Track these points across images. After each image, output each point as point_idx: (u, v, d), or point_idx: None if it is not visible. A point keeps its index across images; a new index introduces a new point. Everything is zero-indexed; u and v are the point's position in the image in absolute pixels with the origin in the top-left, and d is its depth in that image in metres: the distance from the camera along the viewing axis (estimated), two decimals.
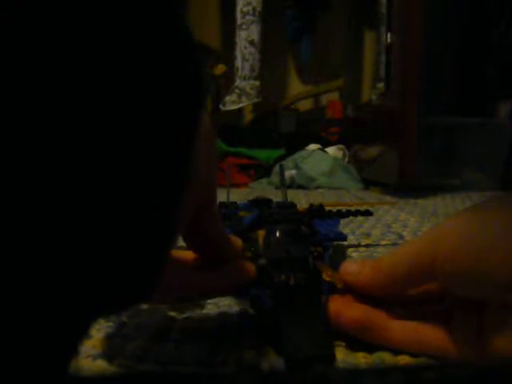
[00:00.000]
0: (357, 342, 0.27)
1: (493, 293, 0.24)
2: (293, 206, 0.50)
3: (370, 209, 0.56)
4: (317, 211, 0.49)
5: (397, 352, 0.26)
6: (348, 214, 0.53)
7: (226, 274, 0.29)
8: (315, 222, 0.46)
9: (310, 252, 0.32)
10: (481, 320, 0.25)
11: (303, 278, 0.29)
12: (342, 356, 0.27)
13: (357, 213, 0.54)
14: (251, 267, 0.30)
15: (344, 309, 0.27)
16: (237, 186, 1.54)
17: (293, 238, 0.33)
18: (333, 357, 0.25)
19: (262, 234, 0.35)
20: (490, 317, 0.25)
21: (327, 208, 0.51)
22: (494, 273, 0.23)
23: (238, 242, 0.30)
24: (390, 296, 0.28)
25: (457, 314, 0.26)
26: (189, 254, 0.30)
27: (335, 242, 0.47)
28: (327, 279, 0.29)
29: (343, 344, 0.28)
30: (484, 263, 0.23)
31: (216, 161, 0.27)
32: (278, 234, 0.33)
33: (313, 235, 0.39)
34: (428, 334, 0.26)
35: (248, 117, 2.21)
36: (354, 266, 0.29)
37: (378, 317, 0.27)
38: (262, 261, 0.31)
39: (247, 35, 1.84)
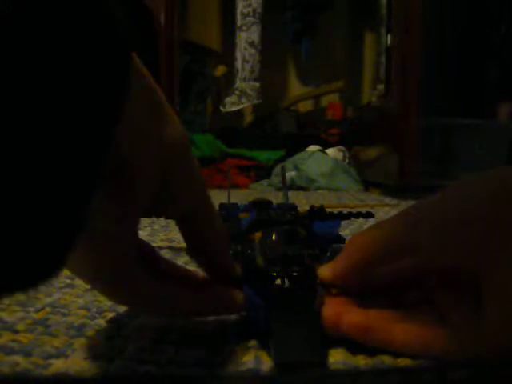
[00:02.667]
0: (356, 344, 0.27)
1: (462, 259, 0.24)
2: (293, 207, 0.50)
3: (371, 210, 0.56)
4: (318, 213, 0.49)
5: (397, 354, 0.26)
6: (349, 215, 0.52)
7: (210, 298, 0.28)
8: (316, 223, 0.46)
9: (307, 254, 0.32)
10: (476, 314, 0.25)
11: (298, 281, 0.28)
12: (342, 358, 0.26)
13: (358, 214, 0.53)
14: (238, 298, 0.29)
15: (343, 313, 0.27)
16: (237, 187, 1.54)
17: (289, 240, 0.32)
18: (323, 363, 0.24)
19: (258, 236, 0.34)
20: (483, 302, 0.24)
21: (328, 210, 0.51)
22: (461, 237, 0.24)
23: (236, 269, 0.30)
24: (368, 281, 0.29)
25: (455, 313, 0.26)
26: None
27: (334, 244, 0.46)
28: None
29: (343, 346, 0.27)
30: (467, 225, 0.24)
31: (199, 169, 0.27)
32: (274, 236, 0.33)
33: (310, 237, 0.39)
34: (431, 335, 0.26)
35: (248, 118, 2.21)
36: (327, 268, 0.29)
37: (378, 319, 0.27)
38: (258, 262, 0.31)
39: (247, 36, 1.84)
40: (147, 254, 0.29)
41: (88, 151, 0.16)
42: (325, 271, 0.29)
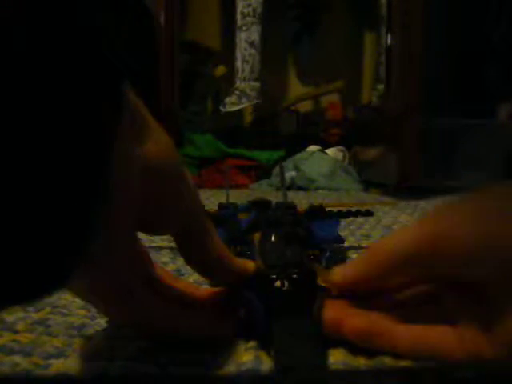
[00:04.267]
0: (357, 345, 0.27)
1: (492, 270, 0.23)
2: (292, 206, 0.50)
3: (370, 209, 0.56)
4: (317, 212, 0.49)
5: (397, 355, 0.26)
6: (348, 214, 0.52)
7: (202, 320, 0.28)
8: (315, 223, 0.46)
9: (306, 255, 0.32)
10: (487, 319, 0.24)
11: (297, 283, 0.28)
12: (343, 358, 0.26)
13: (357, 213, 0.53)
14: (232, 320, 0.28)
15: (344, 317, 0.26)
16: (237, 187, 1.54)
17: (288, 242, 0.32)
18: (324, 367, 0.24)
19: (258, 237, 0.34)
20: (495, 310, 0.24)
21: (327, 208, 0.51)
22: (495, 247, 0.23)
23: (248, 265, 0.30)
24: (384, 292, 0.28)
25: (462, 313, 0.26)
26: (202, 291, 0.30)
27: (334, 245, 0.46)
28: (323, 284, 0.29)
29: (343, 346, 0.27)
30: (486, 237, 0.23)
31: (195, 189, 0.26)
32: (273, 237, 0.33)
33: (309, 238, 0.39)
34: (436, 338, 0.25)
35: (248, 118, 2.21)
36: (339, 272, 0.28)
37: (381, 323, 0.26)
38: (257, 264, 0.31)
39: (247, 36, 1.84)
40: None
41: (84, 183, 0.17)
42: (336, 275, 0.28)
